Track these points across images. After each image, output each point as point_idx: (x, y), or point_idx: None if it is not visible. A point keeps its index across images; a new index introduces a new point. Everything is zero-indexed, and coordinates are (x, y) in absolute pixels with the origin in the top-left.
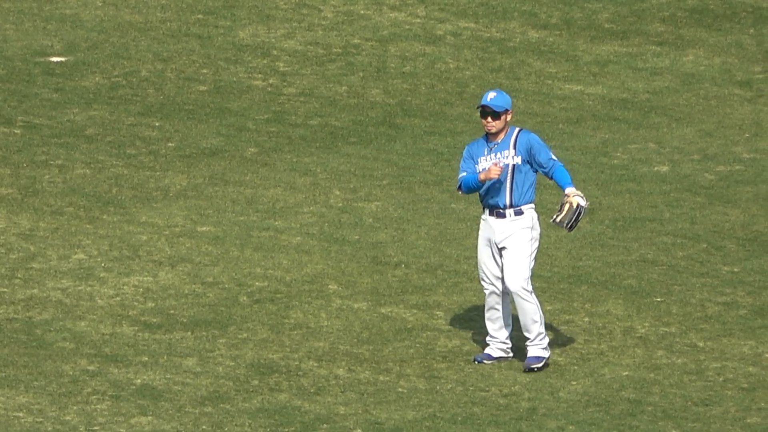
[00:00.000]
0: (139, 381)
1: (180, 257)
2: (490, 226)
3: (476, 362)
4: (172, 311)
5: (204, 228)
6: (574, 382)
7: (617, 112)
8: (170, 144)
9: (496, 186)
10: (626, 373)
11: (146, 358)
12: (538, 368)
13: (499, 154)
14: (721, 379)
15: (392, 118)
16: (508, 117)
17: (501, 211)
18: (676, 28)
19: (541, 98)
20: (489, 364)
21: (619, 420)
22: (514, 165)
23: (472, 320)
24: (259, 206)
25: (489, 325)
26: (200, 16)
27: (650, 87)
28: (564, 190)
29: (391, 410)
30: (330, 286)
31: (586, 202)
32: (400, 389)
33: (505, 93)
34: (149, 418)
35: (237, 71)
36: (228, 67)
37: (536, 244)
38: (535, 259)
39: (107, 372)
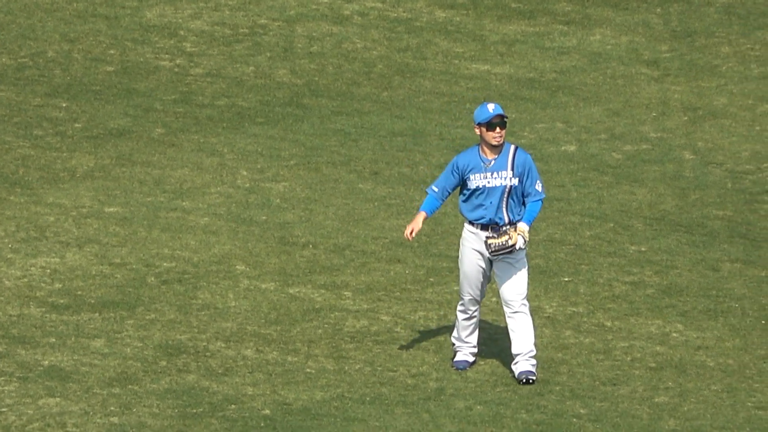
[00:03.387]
0: (46, 362)
1: (87, 238)
2: (482, 240)
3: (458, 369)
4: (79, 292)
5: (111, 209)
6: (482, 362)
7: (524, 92)
8: (77, 125)
9: (490, 206)
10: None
11: (54, 340)
12: (533, 380)
13: (496, 174)
14: (628, 358)
15: (299, 98)
16: None
17: (500, 225)
18: (582, 7)
19: (448, 78)
20: (465, 368)
21: (527, 400)
22: (510, 186)
23: (380, 300)
24: (166, 187)
25: (462, 333)
26: None
27: (557, 66)
28: (520, 223)
29: (300, 391)
30: (238, 267)
31: (525, 244)
32: (308, 370)
33: None
34: (57, 399)
35: (144, 52)
36: (135, 48)
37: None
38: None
39: (15, 353)
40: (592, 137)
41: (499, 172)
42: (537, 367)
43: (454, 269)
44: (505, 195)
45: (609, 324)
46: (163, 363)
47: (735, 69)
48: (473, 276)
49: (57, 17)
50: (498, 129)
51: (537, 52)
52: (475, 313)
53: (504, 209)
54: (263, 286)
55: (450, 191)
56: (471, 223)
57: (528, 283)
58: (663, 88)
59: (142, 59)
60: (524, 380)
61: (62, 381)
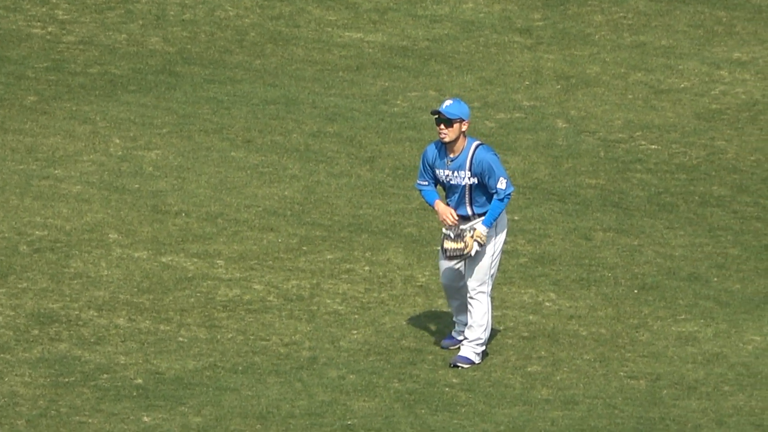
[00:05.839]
0: None
1: None
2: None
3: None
4: None
5: None
6: (355, 332)
7: (397, 60)
8: None
9: (458, 199)
10: (407, 321)
11: None
12: (462, 367)
13: (456, 173)
14: (501, 327)
15: (172, 66)
16: (464, 127)
17: (465, 217)
18: None
19: (321, 46)
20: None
21: (400, 369)
22: (470, 185)
23: (253, 269)
24: (38, 155)
25: (454, 312)
26: None
27: (430, 34)
28: (479, 225)
29: (172, 360)
30: (110, 235)
31: (480, 247)
32: (180, 339)
33: (464, 103)
34: None
35: (16, 19)
36: (7, 15)
37: (499, 246)
38: (499, 263)
39: None
40: None
41: (459, 172)
42: (479, 355)
43: (327, 238)
44: (467, 192)
45: None
46: (36, 332)
47: (608, 37)
48: (449, 266)
49: None
50: (443, 126)
51: (410, 20)
52: (456, 295)
53: (468, 204)
54: (136, 254)
55: (436, 180)
56: None
57: (488, 271)
58: (536, 56)
59: (14, 27)
60: (451, 364)
61: None
